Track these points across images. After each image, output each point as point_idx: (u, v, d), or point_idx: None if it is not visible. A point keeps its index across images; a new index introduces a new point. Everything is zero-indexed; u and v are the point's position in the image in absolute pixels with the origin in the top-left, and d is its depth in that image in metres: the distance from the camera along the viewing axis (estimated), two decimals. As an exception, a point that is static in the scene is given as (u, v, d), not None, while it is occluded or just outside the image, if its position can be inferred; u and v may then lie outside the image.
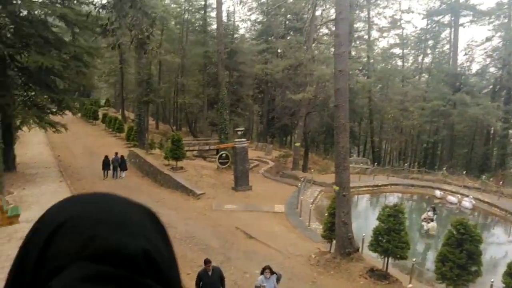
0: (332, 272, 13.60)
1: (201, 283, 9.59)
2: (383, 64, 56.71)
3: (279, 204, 21.15)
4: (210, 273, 9.56)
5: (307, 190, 24.55)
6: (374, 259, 14.60)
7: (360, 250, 14.42)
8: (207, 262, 9.70)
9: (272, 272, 9.72)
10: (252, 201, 21.58)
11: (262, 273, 9.79)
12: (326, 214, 16.17)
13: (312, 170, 31.94)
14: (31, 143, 36.29)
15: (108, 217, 0.65)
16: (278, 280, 9.86)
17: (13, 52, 22.81)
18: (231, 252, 15.05)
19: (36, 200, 19.00)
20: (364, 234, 15.00)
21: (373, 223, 15.40)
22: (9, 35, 18.15)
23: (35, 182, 23.09)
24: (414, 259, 13.54)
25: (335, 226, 14.22)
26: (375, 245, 12.93)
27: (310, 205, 20.09)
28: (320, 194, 24.87)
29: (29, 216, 17.05)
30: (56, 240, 0.62)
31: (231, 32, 49.08)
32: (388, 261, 13.20)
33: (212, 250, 15.07)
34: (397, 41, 56.60)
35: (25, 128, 26.99)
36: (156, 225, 0.72)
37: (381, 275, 13.03)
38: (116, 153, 26.34)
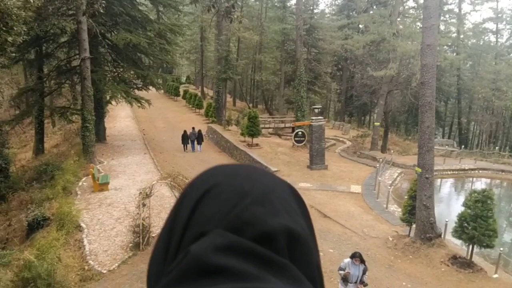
0: (411, 256, 13.04)
1: None
2: (474, 40, 52.47)
3: (356, 185, 20.62)
4: None
5: (385, 171, 23.66)
6: (457, 246, 13.76)
7: (442, 236, 13.64)
8: None
9: (361, 261, 9.11)
10: (328, 181, 21.25)
11: (351, 257, 9.20)
12: (406, 197, 15.47)
13: (392, 151, 30.70)
14: (119, 117, 38.73)
15: (253, 189, 0.64)
16: (364, 272, 9.17)
17: (104, 30, 24.23)
18: (305, 229, 14.98)
19: (123, 170, 20.29)
20: (447, 220, 14.16)
21: (457, 209, 14.49)
22: (101, 11, 19.25)
23: (122, 153, 24.64)
24: (501, 249, 12.58)
25: (416, 209, 13.54)
26: (460, 232, 12.14)
27: (389, 187, 19.33)
28: (399, 176, 23.86)
29: (117, 184, 18.28)
30: (202, 205, 0.64)
31: (311, 8, 48.02)
32: (473, 249, 12.37)
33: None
34: (491, 15, 51.85)
35: (113, 103, 28.80)
36: (299, 205, 0.69)
37: (464, 263, 12.25)
38: (193, 128, 27.31)
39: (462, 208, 12.70)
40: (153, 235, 13.75)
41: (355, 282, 9.08)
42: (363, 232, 15.05)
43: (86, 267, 12.08)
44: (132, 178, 19.37)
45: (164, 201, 16.68)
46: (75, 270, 11.90)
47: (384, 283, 11.49)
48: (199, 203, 0.64)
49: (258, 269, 0.55)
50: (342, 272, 9.17)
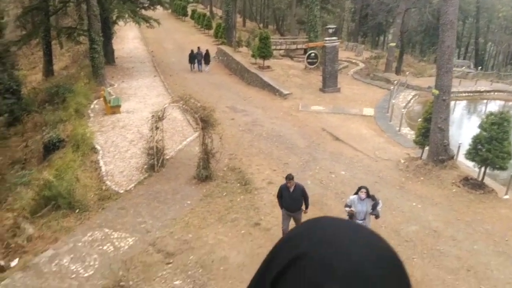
0: (422, 178, 13.17)
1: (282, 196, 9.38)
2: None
3: (368, 108, 20.38)
4: (291, 189, 9.13)
5: (399, 94, 23.24)
6: (469, 168, 13.80)
7: (454, 158, 13.65)
8: (288, 178, 9.15)
9: (368, 195, 8.44)
10: (340, 103, 21.01)
11: (356, 193, 8.57)
12: (420, 119, 15.30)
13: (407, 73, 29.96)
14: (127, 38, 37.82)
15: (342, 267, 0.62)
16: (375, 206, 8.54)
17: None
18: (317, 152, 15.09)
19: (134, 93, 20.18)
20: (460, 142, 14.08)
21: (471, 131, 14.36)
22: None
23: (132, 75, 24.38)
24: (513, 171, 12.61)
25: (430, 131, 13.42)
26: (473, 154, 12.09)
27: (402, 110, 19.10)
28: (413, 98, 23.49)
29: (129, 107, 18.27)
30: (289, 273, 0.65)
31: None
32: (485, 171, 12.41)
33: (298, 149, 15.21)
34: None
35: (121, 23, 27.94)
36: (398, 281, 0.66)
37: (475, 184, 12.36)
38: (199, 48, 26.79)
39: (477, 130, 12.57)
40: (166, 157, 13.96)
41: (363, 219, 8.48)
42: (375, 154, 15.10)
43: (104, 187, 12.44)
44: (143, 101, 19.31)
45: (176, 124, 16.74)
46: (93, 190, 12.27)
47: (395, 204, 11.71)
48: (286, 270, 0.65)
49: None
50: (347, 209, 8.60)
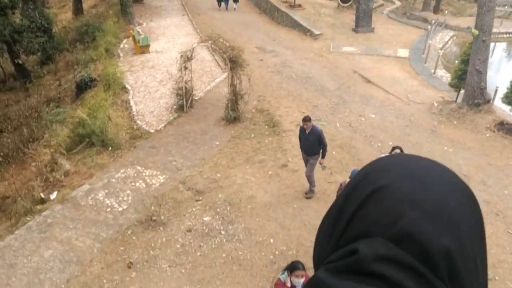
0: (455, 122, 12.82)
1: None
2: None
3: (403, 49, 19.58)
4: (307, 132, 8.96)
5: (436, 34, 22.11)
6: (505, 113, 13.32)
7: (490, 102, 13.15)
8: (304, 120, 8.95)
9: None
10: (373, 44, 20.25)
11: (390, 153, 7.82)
12: (457, 61, 14.67)
13: (446, 12, 28.32)
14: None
15: (425, 198, 0.63)
16: None
17: None
18: (347, 94, 14.81)
19: (162, 32, 19.99)
20: (498, 86, 13.49)
21: (509, 74, 13.72)
22: None
23: (160, 14, 24.02)
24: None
25: (467, 74, 12.87)
26: (511, 98, 11.61)
27: (439, 51, 18.28)
28: (451, 39, 22.35)
29: (158, 47, 18.19)
30: (368, 204, 0.66)
31: None
32: (523, 116, 11.97)
33: (328, 91, 14.95)
34: None
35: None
36: (473, 216, 0.67)
37: (511, 129, 11.96)
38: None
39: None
40: (195, 98, 14.02)
41: None
42: (407, 97, 14.70)
43: (135, 126, 12.71)
44: (172, 40, 19.13)
45: (205, 64, 16.63)
46: (124, 129, 12.57)
47: (425, 148, 11.54)
48: (366, 202, 0.66)
49: (415, 285, 0.58)
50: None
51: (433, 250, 0.59)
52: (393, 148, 8.16)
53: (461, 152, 11.44)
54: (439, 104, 13.93)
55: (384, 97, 14.75)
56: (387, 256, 0.58)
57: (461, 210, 0.65)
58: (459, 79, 13.47)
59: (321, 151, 9.14)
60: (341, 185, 7.05)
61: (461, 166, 10.76)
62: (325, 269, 0.61)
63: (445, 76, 16.86)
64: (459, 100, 13.64)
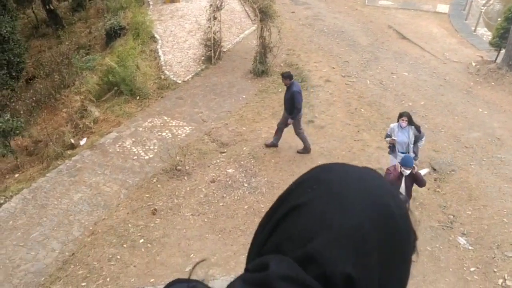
0: (493, 83, 12.24)
1: None
2: None
3: (443, 4, 18.54)
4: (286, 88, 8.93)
5: (481, -11, 20.79)
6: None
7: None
8: (282, 75, 9.02)
9: (411, 123, 7.43)
10: (412, -2, 19.24)
11: (398, 118, 7.60)
12: (500, 19, 13.79)
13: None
14: None
15: (338, 221, 0.64)
16: (418, 139, 7.59)
17: None
18: (379, 51, 14.28)
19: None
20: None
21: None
22: None
23: (191, -38, 23.33)
24: None
25: (510, 32, 12.12)
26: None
27: (482, 8, 17.22)
28: (496, -5, 20.98)
29: (187, -5, 17.81)
30: (289, 219, 0.68)
31: None
32: None
33: (360, 47, 14.45)
34: None
35: None
36: (390, 241, 0.66)
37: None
38: None
39: None
40: (223, 49, 13.81)
41: (405, 152, 7.49)
42: (444, 56, 14.06)
43: (162, 77, 12.70)
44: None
45: (235, 15, 16.25)
46: (152, 78, 12.58)
47: (459, 109, 11.13)
48: (287, 216, 0.68)
49: None
50: (388, 139, 7.70)
51: (335, 276, 0.61)
52: (400, 115, 7.52)
53: (496, 114, 10.99)
54: (477, 63, 13.29)
55: (419, 54, 14.15)
56: (291, 277, 0.60)
57: (375, 234, 0.64)
58: (501, 38, 12.72)
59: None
60: (388, 170, 6.79)
61: (495, 129, 10.37)
62: (242, 280, 0.64)
63: (486, 34, 15.96)
64: (499, 60, 12.95)
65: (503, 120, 10.74)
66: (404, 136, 7.47)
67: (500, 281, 6.60)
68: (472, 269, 6.79)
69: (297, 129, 9.26)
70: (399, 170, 6.54)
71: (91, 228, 7.59)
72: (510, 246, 7.23)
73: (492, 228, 7.57)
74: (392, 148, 7.76)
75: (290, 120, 9.09)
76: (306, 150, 9.48)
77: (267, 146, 9.65)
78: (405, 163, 6.51)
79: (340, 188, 0.67)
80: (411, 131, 7.46)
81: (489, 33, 15.72)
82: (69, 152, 9.69)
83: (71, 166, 9.12)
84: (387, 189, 0.70)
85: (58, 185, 8.59)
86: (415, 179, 6.68)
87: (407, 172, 6.53)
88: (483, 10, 16.87)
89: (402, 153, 7.49)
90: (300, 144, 9.53)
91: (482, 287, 6.50)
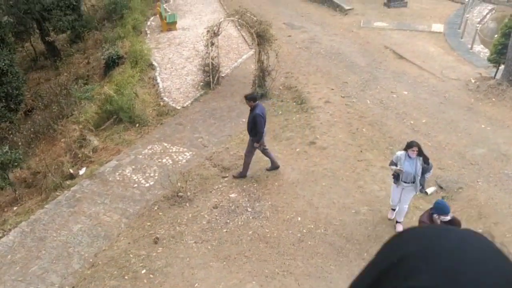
0: (494, 99, 12.18)
1: None
2: None
3: (438, 23, 18.71)
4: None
5: (474, 8, 21.05)
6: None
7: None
8: (245, 97, 8.74)
9: (420, 153, 6.99)
10: (406, 19, 19.42)
11: (405, 149, 7.13)
12: (496, 35, 13.85)
13: (484, -15, 26.90)
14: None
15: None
16: (425, 170, 7.16)
17: None
18: (378, 71, 14.28)
19: (189, 9, 19.75)
20: (542, 61, 12.68)
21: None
22: None
23: (187, -9, 23.70)
24: None
25: (508, 48, 12.15)
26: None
27: (477, 25, 17.36)
28: (490, 13, 21.22)
29: (184, 24, 18.00)
30: (383, 279, 0.64)
31: None
32: None
33: (358, 67, 14.46)
34: None
35: None
36: None
37: (555, 107, 11.28)
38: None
39: None
40: (222, 74, 13.82)
41: (412, 182, 7.20)
42: (442, 74, 14.05)
43: (161, 103, 12.65)
44: (199, 17, 18.88)
45: (232, 41, 16.35)
46: (151, 105, 12.53)
47: (461, 126, 11.02)
48: (382, 275, 0.64)
49: None
50: (393, 167, 7.23)
51: None
52: (410, 144, 7.02)
53: (500, 130, 10.87)
54: (476, 80, 13.26)
55: (418, 73, 14.15)
56: None
57: None
58: (499, 54, 12.74)
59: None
60: (422, 222, 6.30)
61: (500, 144, 10.23)
62: None
63: (482, 51, 16.02)
64: (499, 76, 12.93)
65: (507, 136, 10.61)
66: (411, 167, 7.05)
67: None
68: None
69: (249, 152, 9.02)
70: (438, 222, 6.02)
71: (91, 260, 7.35)
72: (525, 264, 6.98)
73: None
74: (396, 177, 7.36)
75: (256, 145, 8.81)
76: (274, 166, 9.39)
77: (235, 177, 9.29)
78: (442, 210, 6.06)
79: (462, 265, 0.59)
80: (419, 162, 7.02)
81: (486, 50, 15.78)
82: (68, 182, 9.53)
83: (70, 196, 8.93)
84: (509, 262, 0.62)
85: (57, 216, 8.38)
86: (454, 223, 6.20)
87: (448, 218, 6.08)
88: (478, 28, 17.00)
89: (405, 182, 7.24)
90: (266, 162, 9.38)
91: None
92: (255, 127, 8.48)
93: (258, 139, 8.64)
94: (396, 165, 7.18)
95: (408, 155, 7.00)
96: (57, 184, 9.32)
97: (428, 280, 0.57)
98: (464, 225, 7.79)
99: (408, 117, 11.53)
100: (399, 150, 7.58)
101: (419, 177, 7.14)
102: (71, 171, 9.91)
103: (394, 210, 8.06)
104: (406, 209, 7.72)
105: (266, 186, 9.14)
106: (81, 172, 9.93)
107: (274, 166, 9.42)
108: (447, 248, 0.61)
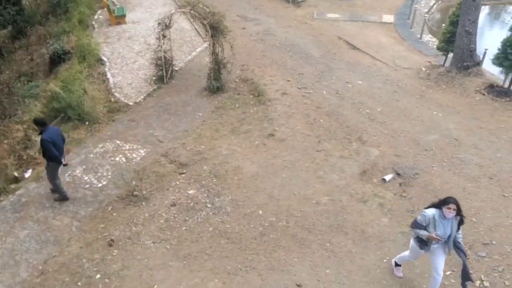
0: (444, 86, 12.52)
1: None
2: None
3: (388, 14, 19.08)
4: None
5: (421, -1, 21.63)
6: (494, 76, 13.06)
7: (480, 64, 12.85)
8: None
9: (459, 212, 5.49)
10: (358, 10, 19.66)
11: (438, 206, 5.56)
12: (444, 24, 14.25)
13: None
14: None
15: None
16: (459, 224, 5.62)
17: None
18: (332, 62, 14.34)
19: (139, 2, 19.05)
20: (487, 48, 13.16)
21: (498, 36, 13.43)
22: None
23: (136, -16, 22.90)
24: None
25: (456, 36, 12.50)
26: (502, 59, 11.32)
27: (425, 15, 17.83)
28: (437, 3, 21.89)
29: (134, 17, 17.36)
30: None
31: None
32: (512, 78, 11.71)
33: (313, 59, 14.46)
34: None
35: None
36: None
37: (501, 91, 11.73)
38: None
39: (508, 34, 11.70)
40: (176, 68, 13.41)
41: (443, 248, 5.82)
42: (394, 63, 14.31)
43: (112, 99, 12.10)
44: (149, 11, 18.26)
45: (185, 34, 15.92)
46: (102, 102, 11.95)
47: (414, 113, 11.24)
48: None
49: None
50: (423, 233, 5.59)
51: None
52: (446, 202, 5.49)
53: (450, 116, 11.17)
54: (426, 68, 13.59)
55: (371, 63, 14.34)
56: None
57: None
58: (447, 42, 13.11)
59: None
60: None
61: (452, 130, 10.50)
62: None
63: (431, 41, 16.49)
64: (447, 64, 13.31)
65: (458, 121, 10.91)
66: (447, 230, 5.55)
67: (478, 282, 6.46)
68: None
69: (52, 177, 8.12)
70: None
71: (40, 267, 6.85)
72: (482, 246, 7.15)
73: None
74: (422, 242, 5.79)
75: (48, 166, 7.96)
76: (63, 198, 8.34)
77: (56, 200, 8.30)
78: None
79: None
80: (455, 223, 5.56)
81: (434, 39, 16.26)
82: (12, 186, 8.88)
83: (16, 201, 8.32)
84: None
85: (2, 223, 7.78)
86: None
87: None
88: (426, 18, 17.46)
89: (440, 249, 5.84)
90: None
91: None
92: (46, 152, 7.67)
93: (55, 163, 7.85)
94: (423, 227, 5.60)
95: (443, 215, 5.51)
96: (1, 189, 8.67)
97: None
98: (422, 209, 7.92)
99: (363, 106, 11.62)
100: (426, 207, 5.83)
101: (451, 241, 5.68)
102: (16, 174, 9.25)
103: (400, 266, 6.73)
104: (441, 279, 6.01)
105: (225, 180, 8.90)
106: (27, 174, 9.29)
107: (63, 198, 8.36)
108: None
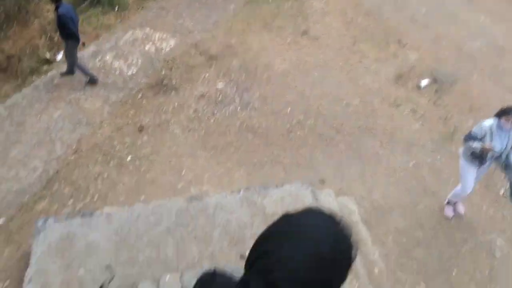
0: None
1: None
2: None
3: None
4: None
5: None
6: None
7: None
8: None
9: None
10: None
11: (499, 115, 4.99)
12: None
13: None
14: None
15: (283, 275, 0.97)
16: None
17: None
18: None
19: None
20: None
21: None
22: None
23: None
24: None
25: None
26: None
27: None
28: None
29: None
30: (262, 258, 1.03)
31: None
32: None
33: None
34: None
35: None
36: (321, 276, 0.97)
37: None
38: None
39: None
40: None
41: (498, 157, 5.21)
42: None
43: (142, -15, 11.58)
44: None
45: None
46: (131, -13, 11.46)
47: (461, 17, 10.48)
48: (262, 255, 1.03)
49: None
50: (477, 145, 5.03)
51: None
52: (505, 111, 4.91)
53: (499, 23, 10.41)
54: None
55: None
56: None
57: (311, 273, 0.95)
58: None
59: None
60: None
61: (498, 38, 9.85)
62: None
63: None
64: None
65: (506, 30, 10.16)
66: (503, 142, 5.02)
67: (502, 191, 6.45)
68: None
69: (71, 56, 8.06)
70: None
71: (74, 146, 7.12)
72: None
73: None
74: (476, 156, 5.23)
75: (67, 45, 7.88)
76: (92, 80, 8.27)
77: (62, 75, 8.37)
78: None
79: (286, 242, 1.00)
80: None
81: None
82: (45, 67, 8.94)
83: (48, 81, 8.42)
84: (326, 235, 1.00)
85: (36, 101, 7.96)
86: None
87: None
88: None
89: (496, 160, 5.31)
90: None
91: (484, 198, 6.35)
92: (64, 29, 7.52)
93: (73, 42, 7.75)
94: (478, 139, 5.06)
95: (500, 125, 4.95)
96: (34, 69, 8.74)
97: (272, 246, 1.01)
98: (455, 118, 7.72)
99: (407, 6, 10.86)
100: (482, 118, 5.34)
101: (506, 153, 5.13)
102: (48, 55, 9.26)
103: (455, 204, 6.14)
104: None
105: (255, 76, 8.74)
106: (59, 57, 9.29)
107: (70, 73, 8.36)
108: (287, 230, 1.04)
